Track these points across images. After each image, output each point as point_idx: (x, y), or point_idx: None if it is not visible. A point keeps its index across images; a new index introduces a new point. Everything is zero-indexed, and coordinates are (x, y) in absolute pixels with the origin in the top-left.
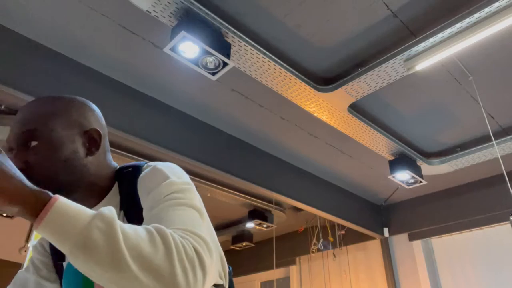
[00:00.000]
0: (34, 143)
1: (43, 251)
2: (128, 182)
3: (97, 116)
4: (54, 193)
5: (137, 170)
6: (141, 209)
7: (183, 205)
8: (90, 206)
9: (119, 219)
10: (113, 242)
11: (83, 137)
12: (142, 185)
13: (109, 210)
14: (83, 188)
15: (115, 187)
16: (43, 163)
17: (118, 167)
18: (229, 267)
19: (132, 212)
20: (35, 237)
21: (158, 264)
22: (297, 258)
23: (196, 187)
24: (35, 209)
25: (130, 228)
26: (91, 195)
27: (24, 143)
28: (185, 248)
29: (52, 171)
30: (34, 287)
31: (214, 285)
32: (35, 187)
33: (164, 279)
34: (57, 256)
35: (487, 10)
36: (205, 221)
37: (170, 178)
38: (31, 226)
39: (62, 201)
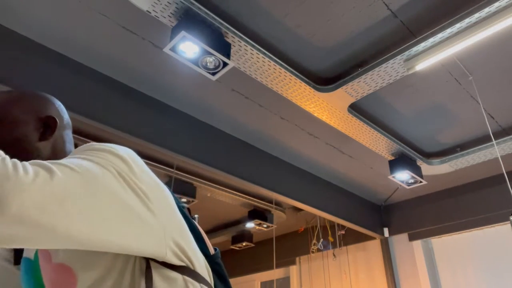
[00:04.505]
0: None
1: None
2: None
3: (57, 109)
4: None
5: None
6: None
7: (85, 159)
8: None
9: None
10: None
11: (38, 122)
12: None
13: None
14: None
15: None
16: None
17: None
18: (215, 249)
19: None
20: None
21: None
22: (297, 258)
23: (196, 187)
24: None
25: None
26: None
27: None
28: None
29: (3, 148)
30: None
31: (165, 264)
32: None
33: None
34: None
35: (487, 10)
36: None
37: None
38: None
39: None
